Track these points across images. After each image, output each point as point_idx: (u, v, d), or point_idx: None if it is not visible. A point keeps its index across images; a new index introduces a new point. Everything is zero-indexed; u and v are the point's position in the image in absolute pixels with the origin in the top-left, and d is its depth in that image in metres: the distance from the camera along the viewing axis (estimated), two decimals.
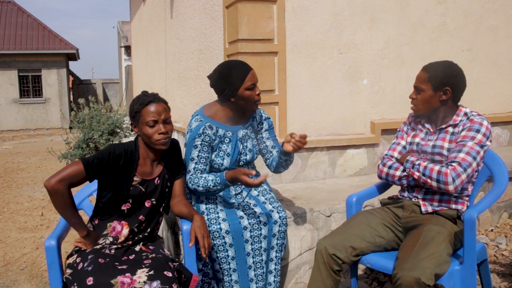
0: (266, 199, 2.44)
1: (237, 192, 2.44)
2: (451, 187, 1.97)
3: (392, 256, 2.02)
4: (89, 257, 1.87)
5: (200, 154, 2.28)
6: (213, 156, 2.34)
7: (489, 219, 3.40)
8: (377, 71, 3.70)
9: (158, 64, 7.00)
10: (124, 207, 2.00)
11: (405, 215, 2.17)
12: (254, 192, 2.49)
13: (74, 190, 1.93)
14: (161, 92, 7.38)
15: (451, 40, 3.95)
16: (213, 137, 2.31)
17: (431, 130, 2.20)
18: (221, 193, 2.40)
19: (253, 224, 2.29)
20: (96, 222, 2.04)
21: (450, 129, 2.13)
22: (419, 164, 2.09)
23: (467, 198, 2.15)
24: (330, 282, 2.06)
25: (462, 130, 2.08)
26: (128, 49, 16.01)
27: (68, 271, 1.89)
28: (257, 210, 2.35)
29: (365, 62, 3.66)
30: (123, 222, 2.00)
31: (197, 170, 2.27)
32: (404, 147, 2.30)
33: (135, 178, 1.99)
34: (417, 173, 2.09)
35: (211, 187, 2.23)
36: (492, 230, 3.34)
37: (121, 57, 18.23)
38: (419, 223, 2.07)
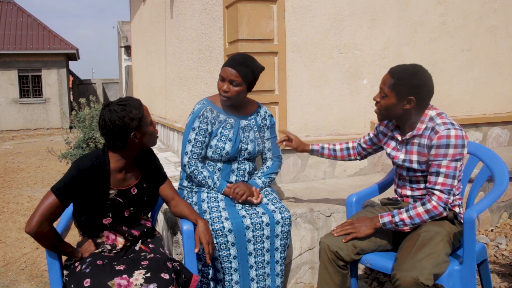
0: (268, 200, 2.45)
1: None
2: (444, 214, 1.97)
3: (392, 256, 2.02)
4: (88, 260, 1.87)
5: (197, 137, 2.38)
6: (215, 141, 2.40)
7: (489, 219, 3.40)
8: (377, 71, 3.69)
9: (158, 64, 7.00)
10: (105, 221, 1.95)
11: None
12: None
13: None
14: (161, 92, 7.36)
15: (451, 40, 3.95)
16: (213, 121, 2.40)
17: (399, 139, 2.12)
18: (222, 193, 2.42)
19: (255, 224, 2.29)
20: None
21: (416, 140, 2.04)
22: (401, 221, 1.99)
23: (458, 197, 2.10)
24: (338, 277, 2.07)
25: (431, 147, 1.94)
26: (128, 49, 16.03)
27: (65, 272, 1.90)
28: (259, 210, 2.35)
29: (365, 62, 3.66)
30: (112, 232, 1.98)
31: (193, 153, 2.38)
32: (371, 139, 2.39)
33: (110, 191, 1.92)
34: (407, 228, 2.02)
35: (205, 186, 2.40)
36: (492, 230, 3.34)
37: (121, 57, 18.26)
38: None
